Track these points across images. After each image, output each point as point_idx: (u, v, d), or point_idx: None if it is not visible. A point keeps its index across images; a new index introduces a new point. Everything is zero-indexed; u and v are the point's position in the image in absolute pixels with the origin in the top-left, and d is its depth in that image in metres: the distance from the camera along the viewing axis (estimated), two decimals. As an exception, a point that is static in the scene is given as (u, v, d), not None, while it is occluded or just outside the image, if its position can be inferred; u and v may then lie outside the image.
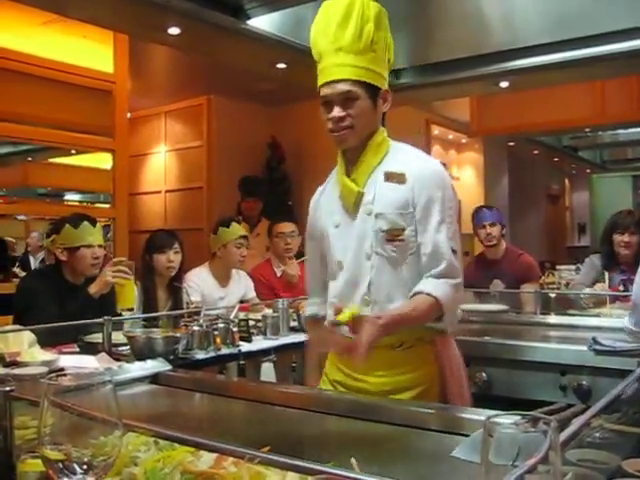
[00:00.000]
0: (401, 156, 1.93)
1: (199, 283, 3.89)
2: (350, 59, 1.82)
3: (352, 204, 1.92)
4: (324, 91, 1.86)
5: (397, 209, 1.85)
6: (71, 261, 3.08)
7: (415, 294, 1.82)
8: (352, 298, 1.90)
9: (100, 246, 3.15)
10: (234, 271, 4.06)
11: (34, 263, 6.38)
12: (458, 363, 1.98)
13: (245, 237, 4.00)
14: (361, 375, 1.91)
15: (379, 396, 1.86)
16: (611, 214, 4.18)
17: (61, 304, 2.96)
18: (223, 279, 3.98)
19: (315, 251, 2.11)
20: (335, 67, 1.84)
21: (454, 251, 1.85)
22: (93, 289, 2.98)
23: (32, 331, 2.38)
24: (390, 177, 1.88)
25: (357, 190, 1.90)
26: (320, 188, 2.13)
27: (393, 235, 1.85)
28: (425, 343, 1.91)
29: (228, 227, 3.96)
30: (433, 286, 1.81)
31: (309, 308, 2.18)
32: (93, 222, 3.17)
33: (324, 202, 2.05)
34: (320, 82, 1.88)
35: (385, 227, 1.85)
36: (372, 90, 1.86)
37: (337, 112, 1.84)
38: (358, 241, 1.90)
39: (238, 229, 4.00)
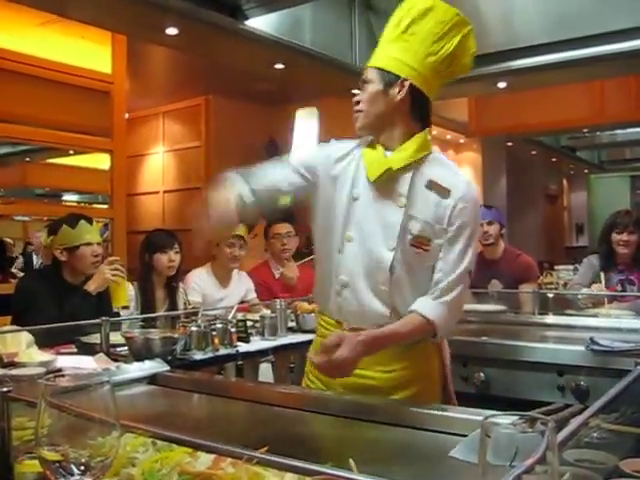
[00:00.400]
0: (444, 168, 1.90)
1: (200, 284, 3.90)
2: (380, 49, 1.90)
3: (378, 179, 1.84)
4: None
5: (431, 219, 1.81)
6: (71, 261, 3.09)
7: (411, 312, 1.80)
8: (367, 284, 1.85)
9: (98, 244, 3.17)
10: (235, 272, 4.07)
11: (37, 263, 6.38)
12: (447, 355, 2.02)
13: (239, 237, 3.99)
14: (364, 371, 1.84)
15: (383, 391, 1.85)
16: (609, 214, 4.18)
17: (60, 304, 2.96)
18: (224, 280, 3.99)
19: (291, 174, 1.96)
20: (375, 56, 1.91)
21: (470, 272, 1.85)
22: (92, 286, 2.99)
23: (30, 331, 2.38)
24: (434, 187, 1.83)
25: (388, 166, 1.83)
26: (342, 146, 1.99)
27: (419, 242, 1.81)
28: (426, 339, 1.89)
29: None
30: (430, 308, 1.79)
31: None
32: (90, 220, 3.19)
33: (340, 166, 1.94)
34: None
35: (415, 231, 1.81)
36: (387, 76, 1.83)
37: (355, 97, 1.90)
38: (382, 226, 1.83)
39: None
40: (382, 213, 1.83)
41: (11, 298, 3.12)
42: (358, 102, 1.89)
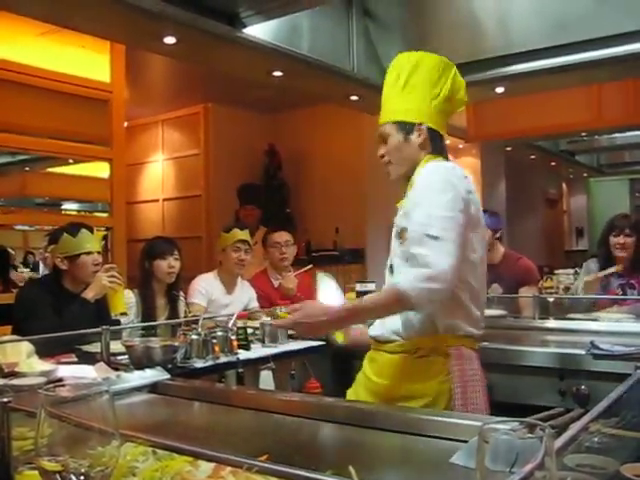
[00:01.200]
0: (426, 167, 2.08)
1: (207, 288, 3.92)
2: (388, 104, 2.11)
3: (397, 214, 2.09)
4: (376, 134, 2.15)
5: (402, 211, 2.02)
6: (72, 269, 3.10)
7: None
8: None
9: (99, 252, 3.18)
10: (239, 279, 4.09)
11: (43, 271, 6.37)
12: (474, 378, 1.95)
13: (244, 241, 4.01)
14: (383, 380, 2.03)
15: (387, 401, 1.96)
16: (609, 218, 4.19)
17: (60, 313, 2.97)
18: (229, 286, 4.01)
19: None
20: (384, 112, 2.12)
21: (431, 236, 1.80)
22: (90, 294, 3.00)
23: (30, 341, 2.38)
24: (409, 188, 2.05)
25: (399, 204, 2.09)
26: None
27: (400, 236, 1.99)
28: (439, 355, 1.95)
29: (228, 232, 4.01)
30: (404, 277, 1.86)
31: None
32: (90, 229, 3.20)
33: None
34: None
35: (397, 230, 2.03)
36: (403, 126, 2.06)
37: (379, 152, 2.12)
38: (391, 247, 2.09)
39: (237, 234, 4.02)
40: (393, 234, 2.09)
41: (12, 307, 3.13)
42: (383, 156, 2.10)
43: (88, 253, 3.11)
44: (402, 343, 1.98)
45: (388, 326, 2.01)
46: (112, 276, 3.00)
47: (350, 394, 2.18)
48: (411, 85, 2.05)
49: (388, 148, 2.08)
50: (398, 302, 1.82)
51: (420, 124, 2.04)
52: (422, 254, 1.79)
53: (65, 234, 3.11)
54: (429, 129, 2.05)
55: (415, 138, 2.05)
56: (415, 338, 1.96)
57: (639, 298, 3.70)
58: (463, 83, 2.14)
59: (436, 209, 1.85)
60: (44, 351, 2.44)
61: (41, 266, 6.43)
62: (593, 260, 4.14)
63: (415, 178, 2.02)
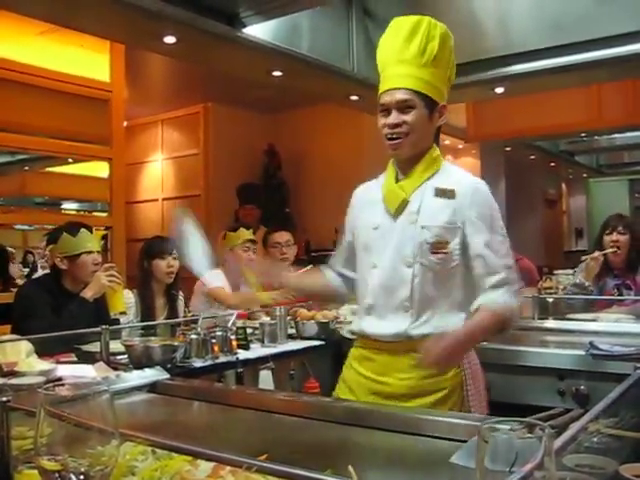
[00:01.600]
0: (452, 175, 2.00)
1: (221, 278, 3.94)
2: (412, 70, 1.90)
3: (395, 209, 1.97)
4: (384, 98, 1.93)
5: (444, 223, 1.91)
6: (72, 269, 3.09)
7: (477, 309, 1.89)
8: (389, 302, 1.96)
9: (98, 252, 3.18)
10: (242, 280, 4.10)
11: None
12: (479, 371, 2.02)
13: (252, 241, 4.04)
14: (383, 377, 1.96)
15: (398, 397, 1.92)
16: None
17: (59, 312, 2.96)
18: (234, 285, 4.02)
19: (349, 244, 2.17)
20: (397, 77, 1.91)
21: (509, 267, 1.92)
22: (88, 293, 3.00)
23: (30, 340, 2.38)
24: (440, 193, 1.94)
25: (403, 197, 1.96)
26: (366, 183, 2.18)
27: (438, 247, 1.90)
28: None
29: (235, 232, 4.03)
30: (493, 300, 1.87)
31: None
32: (90, 229, 3.20)
33: (367, 201, 2.10)
34: (381, 90, 1.96)
35: (431, 239, 1.90)
36: (430, 102, 1.92)
37: (394, 118, 1.91)
38: (397, 247, 1.95)
39: (245, 233, 4.05)
40: (399, 235, 1.95)
41: (11, 306, 3.13)
42: (399, 124, 1.91)
43: (88, 253, 3.11)
44: (406, 343, 1.92)
45: (393, 330, 1.93)
46: (111, 275, 3.00)
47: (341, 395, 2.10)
48: (438, 60, 1.92)
49: (413, 119, 1.90)
50: (499, 326, 1.90)
51: (444, 106, 1.97)
52: (509, 277, 1.91)
53: (65, 233, 3.10)
54: None
55: (436, 119, 1.96)
56: (421, 338, 1.89)
57: (638, 299, 3.69)
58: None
59: (506, 240, 1.96)
60: (43, 350, 2.44)
61: (39, 266, 6.42)
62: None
63: (461, 188, 1.93)
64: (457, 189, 1.92)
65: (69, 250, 3.08)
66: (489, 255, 1.89)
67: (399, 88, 1.90)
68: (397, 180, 2.01)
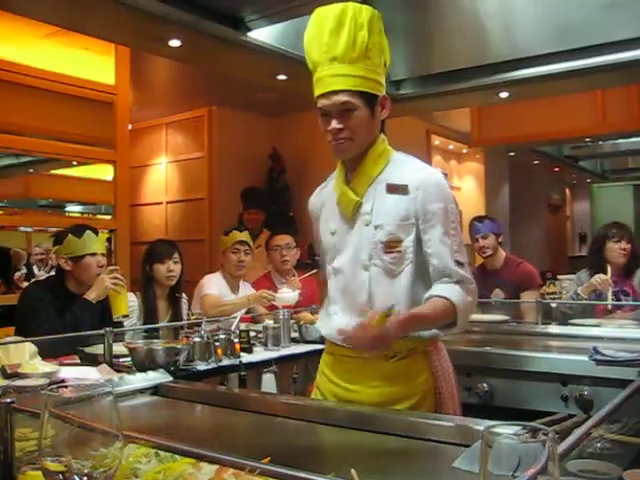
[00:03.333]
0: (402, 167, 1.92)
1: (217, 282, 3.96)
2: (345, 69, 1.79)
3: (350, 213, 1.92)
4: (321, 102, 1.84)
5: (397, 220, 1.85)
6: (76, 270, 3.10)
7: (429, 297, 1.82)
8: (351, 307, 1.92)
9: (103, 254, 3.19)
10: (241, 282, 4.11)
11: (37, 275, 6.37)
12: (450, 372, 1.97)
13: (242, 242, 4.03)
14: (354, 386, 1.91)
15: (376, 406, 1.85)
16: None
17: (63, 314, 2.97)
18: (234, 288, 4.05)
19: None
20: (330, 78, 1.81)
21: (460, 263, 1.85)
22: (91, 295, 3.01)
23: (33, 342, 2.39)
24: (392, 189, 1.87)
25: (355, 200, 1.90)
26: (318, 189, 2.14)
27: (391, 246, 1.85)
28: (418, 353, 1.90)
29: (227, 235, 4.05)
30: (447, 290, 1.80)
31: None
32: (95, 231, 3.21)
33: (321, 206, 2.07)
34: (316, 93, 1.86)
35: (384, 238, 1.85)
36: (369, 98, 1.83)
37: (335, 124, 1.82)
38: (355, 251, 1.90)
39: (235, 235, 4.05)
40: (356, 238, 1.91)
41: (15, 308, 3.14)
42: (341, 130, 1.82)
43: (92, 254, 3.12)
44: None
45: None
46: (115, 278, 3.00)
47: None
48: (369, 49, 1.80)
49: (354, 123, 1.81)
50: (449, 316, 1.80)
51: (384, 97, 1.88)
52: (464, 275, 1.84)
53: (70, 235, 3.12)
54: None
55: (379, 113, 1.87)
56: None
57: (638, 304, 3.68)
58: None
59: (458, 234, 1.87)
60: (47, 352, 2.45)
61: (35, 270, 6.42)
62: (584, 271, 4.10)
63: (413, 183, 1.85)
64: (410, 184, 1.85)
65: (73, 251, 3.09)
66: (443, 252, 1.82)
67: (336, 91, 1.80)
68: (347, 181, 1.94)
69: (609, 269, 3.84)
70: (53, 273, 3.43)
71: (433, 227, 1.83)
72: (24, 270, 6.17)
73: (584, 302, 3.82)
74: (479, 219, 4.54)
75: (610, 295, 3.75)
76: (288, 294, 3.76)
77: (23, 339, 2.46)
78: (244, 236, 4.09)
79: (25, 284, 5.41)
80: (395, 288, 1.87)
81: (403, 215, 1.85)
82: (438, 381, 1.90)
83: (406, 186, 1.85)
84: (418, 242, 1.86)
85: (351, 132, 1.83)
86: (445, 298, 1.78)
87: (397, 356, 1.87)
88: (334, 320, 1.96)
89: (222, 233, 4.22)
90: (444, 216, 1.84)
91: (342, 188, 1.93)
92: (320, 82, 1.85)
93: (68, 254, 3.09)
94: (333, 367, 2.00)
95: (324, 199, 2.06)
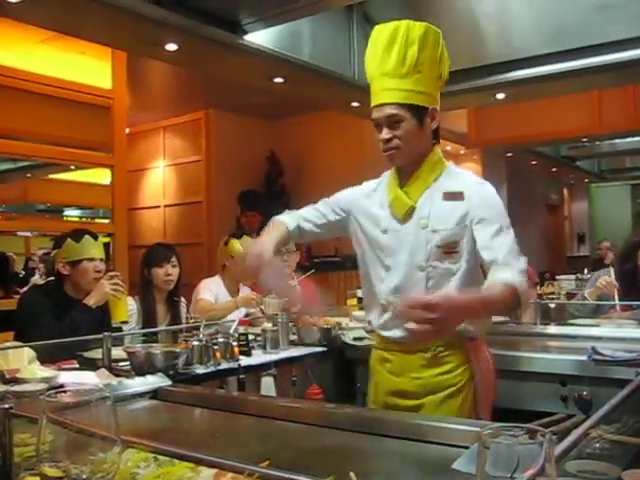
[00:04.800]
0: (457, 178, 2.03)
1: (214, 289, 3.95)
2: (394, 83, 1.92)
3: (402, 216, 2.00)
4: (374, 114, 1.97)
5: (453, 224, 1.95)
6: (73, 275, 3.10)
7: (488, 284, 1.86)
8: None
9: (101, 260, 3.18)
10: (241, 285, 4.10)
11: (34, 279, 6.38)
12: (489, 369, 2.06)
13: None
14: (398, 378, 2.04)
15: (413, 396, 2.00)
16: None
17: (62, 319, 2.97)
18: (233, 291, 4.03)
19: (328, 211, 2.19)
20: (381, 91, 1.95)
21: (517, 256, 1.91)
22: (91, 300, 3.00)
23: (32, 347, 2.38)
24: (449, 196, 1.97)
25: (410, 204, 1.99)
26: (368, 185, 2.19)
27: (450, 248, 1.95)
28: (457, 349, 2.00)
29: (239, 239, 4.04)
30: (507, 275, 1.83)
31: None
32: (94, 236, 3.20)
33: (369, 204, 2.12)
34: (371, 105, 1.99)
35: (441, 243, 1.94)
36: (418, 110, 1.94)
37: (385, 134, 1.95)
38: (410, 251, 1.98)
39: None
40: (410, 239, 1.98)
41: (13, 313, 3.13)
42: (390, 139, 1.95)
43: (90, 259, 3.11)
44: (416, 343, 1.97)
45: (404, 331, 1.86)
46: (115, 284, 2.99)
47: (373, 401, 2.17)
48: (420, 64, 1.92)
49: (402, 133, 1.94)
50: (513, 301, 1.82)
51: (433, 108, 1.98)
52: (514, 262, 1.87)
53: (69, 239, 3.11)
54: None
55: (428, 124, 1.98)
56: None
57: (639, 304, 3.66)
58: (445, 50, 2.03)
59: (511, 233, 1.98)
60: (46, 357, 2.45)
61: (37, 274, 6.44)
62: (604, 273, 3.99)
63: (468, 189, 1.96)
64: (465, 191, 1.96)
65: (71, 255, 3.09)
66: (498, 245, 1.90)
67: (385, 104, 1.93)
68: (401, 186, 2.03)
69: (612, 271, 3.81)
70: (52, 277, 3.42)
71: (486, 226, 1.92)
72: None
73: (585, 302, 3.81)
74: None
75: (616, 296, 3.71)
76: (274, 300, 3.74)
77: (21, 344, 2.45)
78: None
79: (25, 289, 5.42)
80: (449, 288, 1.94)
81: (458, 218, 1.94)
82: (475, 371, 1.99)
83: (461, 193, 1.96)
84: (473, 243, 1.94)
85: (399, 142, 1.95)
86: (506, 283, 1.81)
87: (436, 351, 1.98)
88: (386, 321, 2.05)
89: (226, 235, 4.21)
90: (497, 215, 1.95)
91: (396, 191, 2.03)
92: (373, 95, 1.98)
93: (66, 258, 3.09)
94: (382, 362, 2.12)
95: (375, 194, 2.13)
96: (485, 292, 1.85)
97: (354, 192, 2.20)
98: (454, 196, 1.96)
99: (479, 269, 1.98)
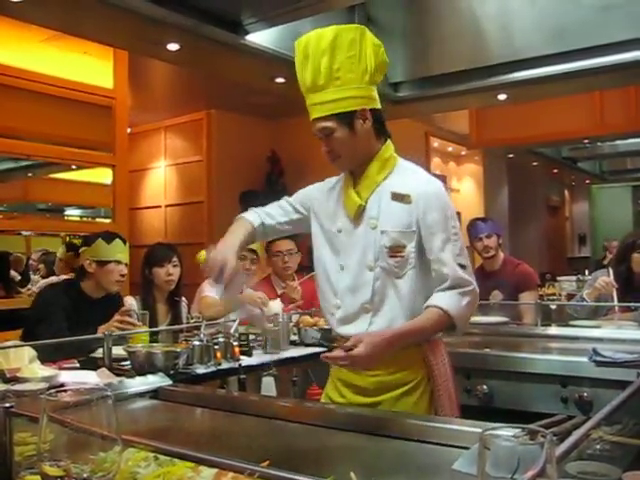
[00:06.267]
0: (406, 176, 2.03)
1: (218, 286, 3.94)
2: (316, 97, 1.96)
3: (353, 215, 2.02)
4: (313, 127, 2.01)
5: (401, 227, 1.96)
6: (98, 274, 3.18)
7: (426, 308, 1.94)
8: (353, 303, 2.02)
9: (126, 265, 3.29)
10: (244, 286, 4.09)
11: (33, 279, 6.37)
12: (446, 367, 2.06)
13: (250, 250, 4.02)
14: (355, 375, 2.03)
15: (369, 393, 2.00)
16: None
17: (75, 317, 2.99)
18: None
19: (291, 208, 2.23)
20: (309, 107, 2.00)
21: (462, 266, 1.96)
22: (101, 330, 3.01)
23: (34, 346, 2.39)
24: (396, 197, 1.98)
25: (360, 203, 2.01)
26: (328, 182, 2.21)
27: (395, 251, 1.96)
28: (413, 347, 2.00)
29: None
30: (442, 299, 1.92)
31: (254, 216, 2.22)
32: (124, 241, 3.32)
33: (327, 202, 2.15)
34: (310, 119, 2.02)
35: (388, 244, 1.96)
36: (345, 117, 1.94)
37: (324, 147, 2.01)
38: (362, 251, 2.00)
39: None
40: (361, 239, 2.01)
41: (15, 312, 3.15)
42: (329, 151, 2.00)
43: (117, 262, 3.22)
44: None
45: (358, 329, 1.98)
46: (123, 322, 2.99)
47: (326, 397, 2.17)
48: (336, 70, 1.91)
49: (336, 143, 1.96)
50: (444, 324, 1.93)
51: (363, 110, 1.95)
52: (463, 278, 1.94)
53: (100, 239, 3.21)
54: (371, 111, 1.98)
55: (361, 127, 1.96)
56: None
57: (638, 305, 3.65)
58: (377, 40, 2.01)
59: (460, 239, 1.99)
60: (51, 356, 2.45)
61: (31, 275, 6.42)
62: (602, 272, 4.00)
63: (415, 193, 1.96)
64: (412, 194, 1.96)
65: (100, 255, 3.18)
66: (445, 258, 1.93)
67: (314, 119, 1.98)
68: (354, 186, 2.06)
69: (611, 271, 3.80)
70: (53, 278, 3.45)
71: (434, 235, 1.94)
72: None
73: (586, 304, 3.81)
74: (482, 219, 4.53)
75: (615, 297, 3.70)
76: (275, 304, 3.74)
77: (22, 343, 2.46)
78: (256, 245, 4.09)
79: (24, 289, 5.42)
80: (397, 290, 1.98)
81: (405, 223, 1.96)
82: (433, 375, 2.00)
83: (409, 196, 1.97)
84: (420, 249, 1.97)
85: (335, 152, 1.99)
86: (440, 308, 1.90)
87: None
88: (335, 316, 2.07)
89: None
90: (444, 223, 1.96)
91: (348, 191, 2.05)
92: (310, 109, 2.01)
93: (94, 257, 3.18)
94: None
95: (333, 193, 2.15)
96: (414, 322, 1.94)
97: (315, 189, 2.22)
98: (402, 199, 1.97)
99: (429, 273, 1.98)
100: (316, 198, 2.19)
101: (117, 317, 3.00)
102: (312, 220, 2.17)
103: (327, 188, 2.18)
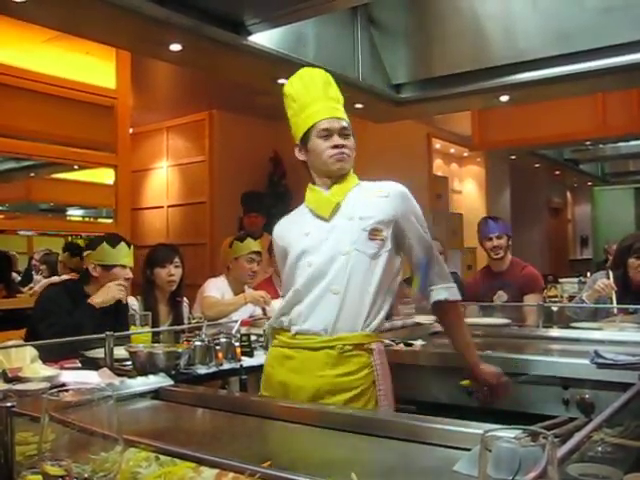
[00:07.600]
0: (375, 182, 2.25)
1: (221, 287, 3.96)
2: (331, 101, 2.24)
3: (329, 214, 2.17)
4: (325, 124, 2.17)
5: (380, 214, 2.12)
6: (102, 278, 3.18)
7: (438, 302, 2.23)
8: (320, 285, 2.09)
9: (131, 268, 3.29)
10: (245, 287, 4.10)
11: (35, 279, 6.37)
12: (387, 371, 2.14)
13: (257, 253, 4.04)
14: (300, 375, 2.08)
15: (315, 396, 2.03)
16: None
17: (78, 318, 3.00)
18: (238, 292, 4.04)
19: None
20: (332, 109, 2.21)
21: (438, 257, 2.29)
22: (96, 299, 3.04)
23: (35, 346, 2.39)
24: (371, 192, 2.19)
25: (336, 201, 2.17)
26: (280, 222, 2.40)
27: (374, 234, 2.09)
28: (363, 350, 2.07)
29: (242, 242, 4.04)
30: (450, 294, 2.25)
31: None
32: (129, 245, 3.31)
33: (289, 226, 2.31)
34: (320, 118, 2.18)
35: (369, 227, 2.09)
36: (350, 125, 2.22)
37: (340, 140, 2.16)
38: (335, 239, 2.12)
39: (252, 244, 4.06)
40: (335, 229, 2.14)
41: (18, 311, 3.16)
42: (344, 146, 2.17)
43: (122, 267, 3.22)
44: (327, 339, 2.05)
45: (318, 322, 2.07)
46: (119, 284, 3.04)
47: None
48: (338, 97, 2.28)
49: (350, 144, 2.19)
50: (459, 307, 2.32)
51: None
52: (445, 268, 2.30)
53: (105, 243, 3.21)
54: None
55: (356, 139, 2.23)
56: (342, 334, 2.05)
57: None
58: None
59: (429, 233, 2.26)
60: (52, 356, 2.46)
61: (34, 275, 6.42)
62: (601, 274, 3.99)
63: (389, 189, 2.17)
64: (388, 190, 2.17)
65: (105, 259, 3.18)
66: (424, 247, 2.19)
67: (340, 118, 2.19)
68: (328, 192, 2.21)
69: (611, 274, 3.80)
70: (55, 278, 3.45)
71: (412, 225, 2.18)
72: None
73: (586, 306, 3.81)
74: (494, 218, 4.50)
75: (614, 299, 3.70)
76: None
77: (24, 343, 2.46)
78: (258, 246, 4.11)
79: (25, 289, 5.43)
80: (370, 271, 2.08)
81: (384, 211, 2.13)
82: (378, 377, 2.08)
83: (381, 189, 2.19)
84: (394, 237, 2.14)
85: (350, 150, 2.19)
86: (457, 304, 2.31)
87: (344, 348, 2.05)
88: (295, 308, 2.14)
89: (230, 237, 4.21)
90: (418, 217, 2.21)
91: (321, 195, 2.21)
92: (320, 110, 2.20)
93: (99, 261, 3.17)
94: (285, 360, 2.15)
95: (291, 220, 2.34)
96: (465, 337, 2.36)
97: (279, 234, 2.37)
98: (375, 191, 2.18)
99: (399, 261, 2.19)
100: (284, 237, 2.31)
101: (114, 283, 3.04)
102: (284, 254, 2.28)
103: (284, 223, 2.36)
